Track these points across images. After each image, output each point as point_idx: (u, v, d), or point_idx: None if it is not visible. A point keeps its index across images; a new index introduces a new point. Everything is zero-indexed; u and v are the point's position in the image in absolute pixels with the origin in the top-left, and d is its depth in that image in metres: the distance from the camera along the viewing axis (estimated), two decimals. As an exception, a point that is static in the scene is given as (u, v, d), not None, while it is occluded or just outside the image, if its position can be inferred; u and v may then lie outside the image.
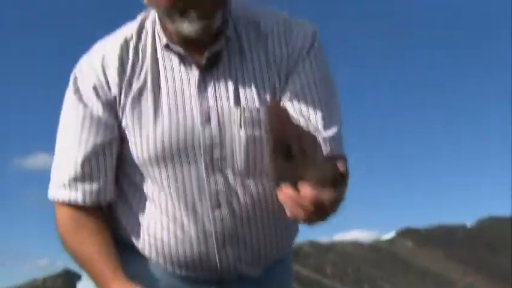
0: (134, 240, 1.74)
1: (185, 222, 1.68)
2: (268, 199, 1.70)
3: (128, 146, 1.68)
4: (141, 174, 1.70)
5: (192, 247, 1.69)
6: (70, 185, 1.70)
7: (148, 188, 1.70)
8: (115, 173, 1.72)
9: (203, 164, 1.65)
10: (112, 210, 1.76)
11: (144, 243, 1.72)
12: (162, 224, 1.69)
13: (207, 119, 1.65)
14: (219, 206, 1.67)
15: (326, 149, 1.60)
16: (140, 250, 1.74)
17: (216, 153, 1.65)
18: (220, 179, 1.66)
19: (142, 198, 1.72)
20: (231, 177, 1.67)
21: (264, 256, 1.74)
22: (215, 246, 1.69)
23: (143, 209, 1.72)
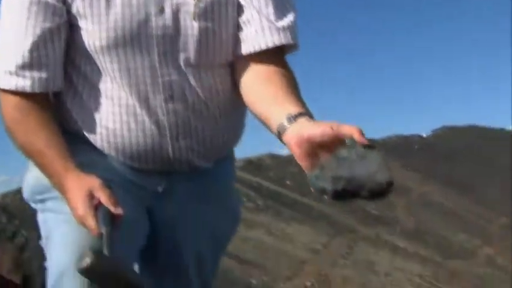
0: (86, 132, 1.76)
1: (139, 113, 1.71)
2: (221, 93, 1.76)
3: (79, 33, 1.69)
4: (92, 65, 1.71)
5: (146, 138, 1.73)
6: (17, 73, 1.67)
7: (100, 79, 1.71)
8: (64, 63, 1.72)
9: (156, 55, 1.69)
10: (61, 102, 1.77)
11: (96, 135, 1.75)
12: (114, 115, 1.72)
13: (161, 9, 1.67)
14: (172, 97, 1.71)
15: (280, 39, 1.70)
16: (92, 142, 1.76)
17: (169, 44, 1.68)
18: (173, 70, 1.70)
19: (93, 89, 1.72)
20: (184, 68, 1.71)
21: (214, 148, 1.81)
22: (168, 137, 1.74)
23: (94, 100, 1.73)
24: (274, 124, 1.53)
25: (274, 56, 1.72)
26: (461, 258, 12.60)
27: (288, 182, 13.85)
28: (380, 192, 1.37)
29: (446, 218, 16.22)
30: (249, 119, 1.91)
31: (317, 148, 1.43)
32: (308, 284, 7.58)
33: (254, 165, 13.48)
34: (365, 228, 12.00)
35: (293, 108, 1.54)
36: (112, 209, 1.58)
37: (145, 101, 1.71)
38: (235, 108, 1.83)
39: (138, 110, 1.71)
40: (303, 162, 1.45)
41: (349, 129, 1.41)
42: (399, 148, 22.93)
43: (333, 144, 1.41)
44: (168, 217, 1.86)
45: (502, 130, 31.19)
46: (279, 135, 1.52)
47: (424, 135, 26.54)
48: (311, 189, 1.43)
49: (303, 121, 1.50)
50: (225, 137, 1.84)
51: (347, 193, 1.39)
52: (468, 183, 20.91)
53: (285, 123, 1.50)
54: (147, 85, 1.70)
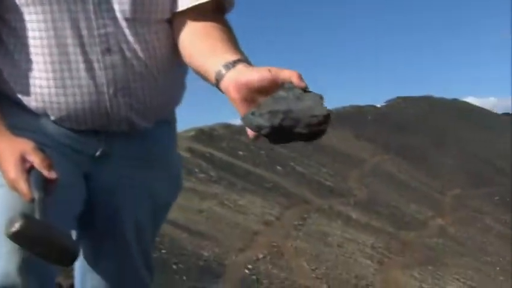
0: (19, 94, 1.71)
1: (75, 68, 1.66)
2: (159, 50, 1.73)
3: None
4: (22, 21, 1.65)
5: (83, 95, 1.67)
6: None
7: (32, 35, 1.65)
8: None
9: (91, 4, 1.65)
10: None
11: (30, 95, 1.70)
12: (48, 72, 1.66)
13: None
14: (109, 50, 1.67)
15: None
16: (26, 104, 1.71)
17: None
18: (109, 21, 1.67)
19: (25, 47, 1.67)
20: (120, 21, 1.67)
21: (154, 107, 1.77)
22: (106, 94, 1.69)
23: (26, 59, 1.67)
24: (212, 73, 1.53)
25: (213, 13, 1.72)
26: (414, 229, 12.65)
27: (241, 153, 13.79)
28: (316, 126, 1.35)
29: (399, 189, 16.27)
30: (199, 88, 1.96)
31: (256, 94, 1.43)
32: (260, 255, 7.48)
33: (206, 135, 13.31)
34: (318, 200, 11.93)
35: (231, 57, 1.54)
36: (46, 173, 1.54)
37: (81, 55, 1.67)
38: (175, 68, 1.81)
39: (74, 64, 1.67)
40: (241, 108, 1.45)
41: (288, 74, 1.41)
42: (352, 118, 23.03)
43: (272, 89, 1.41)
44: (106, 182, 1.83)
45: (455, 100, 31.67)
46: (217, 83, 1.52)
47: (378, 106, 26.76)
48: (247, 128, 1.42)
49: (240, 67, 1.50)
50: (165, 96, 1.81)
51: (283, 129, 1.36)
52: (421, 154, 21.02)
53: (223, 70, 1.51)
54: (83, 37, 1.66)
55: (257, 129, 1.39)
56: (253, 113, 1.40)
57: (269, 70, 1.41)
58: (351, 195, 13.63)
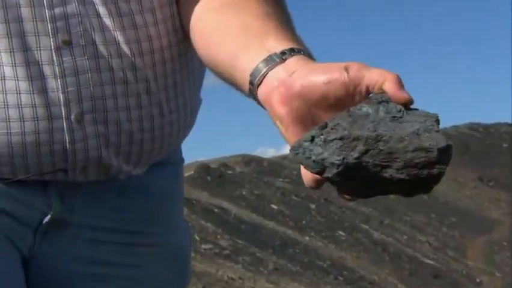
0: None
1: (9, 75, 1.16)
2: (157, 42, 1.22)
3: None
4: None
5: (22, 122, 1.17)
6: None
7: None
8: None
9: None
10: None
11: None
12: None
13: None
14: (69, 44, 1.17)
15: None
16: None
17: None
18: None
19: None
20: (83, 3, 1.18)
21: (148, 142, 1.25)
22: (64, 120, 1.18)
23: None
24: (244, 72, 1.01)
25: None
26: None
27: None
28: (426, 167, 0.85)
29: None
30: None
31: (319, 108, 0.94)
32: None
33: (213, 174, 9.17)
34: None
35: (277, 44, 1.00)
36: None
37: (21, 52, 1.16)
38: (186, 71, 1.29)
39: (8, 71, 1.16)
40: (291, 131, 0.94)
41: (378, 76, 0.91)
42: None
43: (348, 101, 0.92)
44: (59, 272, 1.30)
45: None
46: (252, 88, 0.99)
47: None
48: (301, 167, 0.91)
49: (294, 62, 0.97)
50: (167, 120, 1.27)
51: (365, 171, 0.87)
52: None
53: (262, 67, 0.98)
54: (23, 21, 1.16)
55: (318, 167, 0.88)
56: (313, 139, 0.89)
57: (345, 68, 0.91)
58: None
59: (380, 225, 12.83)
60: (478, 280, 12.43)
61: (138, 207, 1.31)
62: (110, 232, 1.29)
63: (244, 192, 10.49)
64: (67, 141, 1.17)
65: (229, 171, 10.68)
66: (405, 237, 12.83)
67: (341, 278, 9.99)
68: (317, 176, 0.90)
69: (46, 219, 1.24)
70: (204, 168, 10.05)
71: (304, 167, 0.90)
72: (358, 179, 0.87)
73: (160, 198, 1.35)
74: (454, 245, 13.74)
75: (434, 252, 12.73)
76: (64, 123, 1.16)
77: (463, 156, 19.75)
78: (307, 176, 0.92)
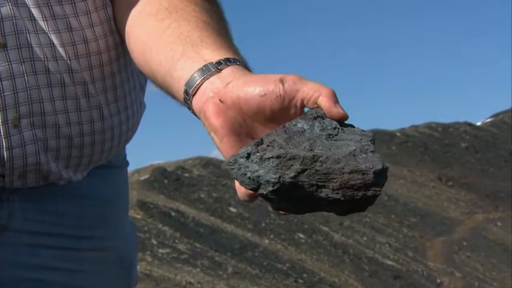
0: None
1: None
2: (100, 45, 1.20)
3: None
4: None
5: None
6: None
7: None
8: None
9: None
10: None
11: None
12: None
13: None
14: (4, 47, 1.13)
15: None
16: None
17: None
18: None
19: None
20: None
21: (89, 146, 1.22)
22: (0, 122, 1.14)
23: None
24: (179, 81, 0.98)
25: None
26: None
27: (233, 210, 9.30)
28: (361, 189, 0.83)
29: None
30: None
31: (255, 121, 0.92)
32: None
33: (170, 177, 8.66)
34: None
35: (213, 53, 0.98)
36: None
37: None
38: (125, 73, 1.26)
39: None
40: (226, 145, 0.91)
41: (313, 90, 0.89)
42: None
43: (284, 115, 0.91)
44: (1, 277, 1.24)
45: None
46: (187, 98, 0.97)
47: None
48: (235, 181, 0.88)
49: (229, 72, 0.94)
50: (108, 123, 1.24)
51: (300, 190, 0.84)
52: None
53: (197, 76, 0.95)
54: None
55: (254, 184, 0.84)
56: (248, 156, 0.85)
57: (281, 80, 0.89)
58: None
59: (340, 227, 12.75)
60: (438, 281, 12.43)
61: (80, 212, 1.28)
62: (52, 237, 1.26)
63: (202, 195, 10.30)
64: (4, 147, 1.15)
65: (187, 174, 10.48)
66: (365, 238, 12.80)
67: (301, 281, 9.90)
68: (252, 192, 0.87)
69: None
70: (161, 172, 9.83)
71: (240, 183, 0.86)
72: (293, 197, 0.85)
73: (102, 203, 1.32)
74: (414, 246, 13.73)
75: (394, 254, 12.70)
76: (1, 128, 1.14)
77: (422, 156, 19.82)
78: (241, 190, 0.89)
